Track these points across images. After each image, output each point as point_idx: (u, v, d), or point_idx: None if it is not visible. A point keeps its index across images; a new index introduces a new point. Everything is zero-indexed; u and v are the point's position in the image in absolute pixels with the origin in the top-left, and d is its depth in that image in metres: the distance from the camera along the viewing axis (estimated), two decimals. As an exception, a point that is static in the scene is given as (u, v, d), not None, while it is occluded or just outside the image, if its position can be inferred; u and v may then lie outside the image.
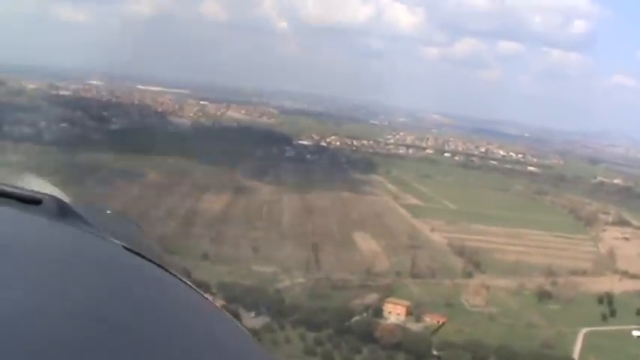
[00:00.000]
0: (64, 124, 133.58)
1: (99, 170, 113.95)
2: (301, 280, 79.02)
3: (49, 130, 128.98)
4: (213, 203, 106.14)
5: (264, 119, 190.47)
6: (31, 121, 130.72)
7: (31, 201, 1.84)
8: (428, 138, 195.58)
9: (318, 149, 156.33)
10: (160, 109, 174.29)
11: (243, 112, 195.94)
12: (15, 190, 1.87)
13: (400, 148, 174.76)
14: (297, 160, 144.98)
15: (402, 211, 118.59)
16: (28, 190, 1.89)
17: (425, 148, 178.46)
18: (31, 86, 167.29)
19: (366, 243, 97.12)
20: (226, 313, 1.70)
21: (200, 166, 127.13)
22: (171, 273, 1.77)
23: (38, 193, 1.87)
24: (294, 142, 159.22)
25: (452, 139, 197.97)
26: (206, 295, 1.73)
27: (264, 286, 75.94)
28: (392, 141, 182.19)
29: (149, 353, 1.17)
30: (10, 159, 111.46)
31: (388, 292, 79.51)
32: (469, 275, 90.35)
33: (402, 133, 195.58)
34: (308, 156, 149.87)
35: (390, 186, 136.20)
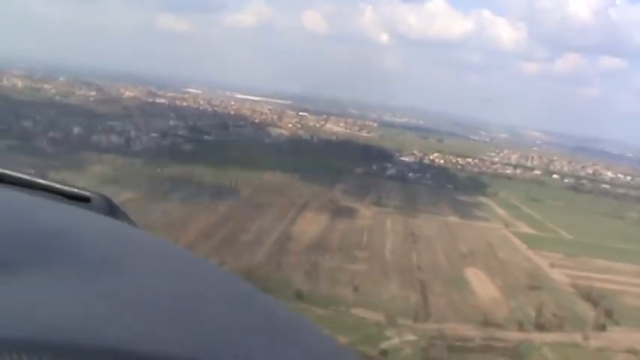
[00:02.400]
0: (154, 134, 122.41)
1: (185, 185, 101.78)
2: (411, 336, 63.29)
3: (139, 140, 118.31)
4: (310, 227, 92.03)
5: (364, 133, 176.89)
6: (121, 129, 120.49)
7: (80, 198, 1.86)
8: (532, 157, 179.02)
9: (421, 167, 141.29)
10: (257, 120, 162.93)
11: (342, 124, 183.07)
12: (65, 188, 1.89)
13: (507, 167, 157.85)
14: (399, 179, 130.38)
15: (515, 240, 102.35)
16: (77, 188, 1.90)
17: (532, 169, 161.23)
18: (128, 94, 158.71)
19: (479, 282, 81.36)
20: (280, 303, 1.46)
21: (297, 182, 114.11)
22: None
23: (87, 191, 1.89)
24: (395, 159, 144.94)
25: (556, 158, 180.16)
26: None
27: (368, 344, 61.19)
28: (497, 159, 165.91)
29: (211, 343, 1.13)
30: (92, 170, 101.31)
31: (516, 358, 63.70)
32: (602, 328, 73.33)
33: (506, 151, 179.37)
34: (410, 174, 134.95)
35: (500, 210, 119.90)
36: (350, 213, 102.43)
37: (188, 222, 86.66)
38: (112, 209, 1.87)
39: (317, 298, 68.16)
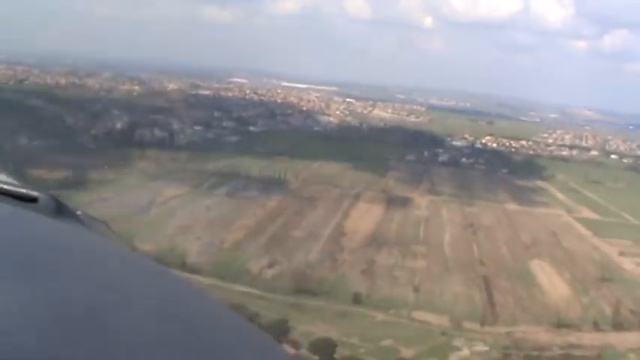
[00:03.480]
0: (198, 127, 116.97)
1: (232, 178, 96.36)
2: (481, 346, 56.37)
3: (182, 133, 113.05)
4: (364, 220, 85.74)
5: (412, 118, 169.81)
6: (165, 123, 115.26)
7: (27, 199, 1.80)
8: (586, 136, 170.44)
9: (474, 151, 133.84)
10: (305, 108, 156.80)
11: (390, 110, 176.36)
12: (11, 188, 1.83)
13: (562, 149, 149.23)
14: (451, 165, 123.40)
15: (579, 227, 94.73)
16: (24, 188, 1.85)
17: (588, 149, 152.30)
18: (171, 86, 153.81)
19: (546, 276, 74.26)
20: (215, 299, 1.46)
21: (348, 171, 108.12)
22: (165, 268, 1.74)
23: (34, 190, 1.84)
24: (446, 144, 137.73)
25: (610, 137, 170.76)
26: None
27: (436, 356, 54.62)
28: (550, 140, 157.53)
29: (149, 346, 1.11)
30: (135, 166, 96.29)
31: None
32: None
33: (558, 132, 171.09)
34: (463, 159, 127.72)
35: (559, 195, 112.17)
36: (404, 203, 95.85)
37: (235, 218, 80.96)
38: (59, 209, 1.79)
39: (376, 301, 61.91)
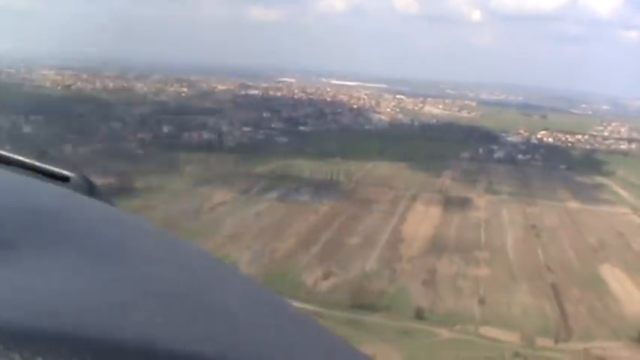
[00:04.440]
0: (247, 128, 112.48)
1: (282, 181, 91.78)
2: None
3: (231, 135, 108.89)
4: (421, 224, 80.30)
5: (464, 114, 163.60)
6: (213, 125, 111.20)
7: (60, 178, 1.82)
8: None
9: (529, 147, 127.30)
10: (355, 106, 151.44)
11: (440, 106, 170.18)
12: (45, 167, 1.85)
13: (620, 142, 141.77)
14: (508, 162, 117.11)
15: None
16: (57, 167, 1.86)
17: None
18: (220, 87, 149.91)
19: (618, 282, 67.98)
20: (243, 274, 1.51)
21: (402, 172, 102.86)
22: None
23: (67, 170, 1.85)
24: (500, 140, 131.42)
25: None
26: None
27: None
28: (606, 134, 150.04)
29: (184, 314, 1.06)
30: (183, 170, 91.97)
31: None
32: None
33: (613, 124, 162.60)
34: (519, 156, 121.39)
35: (622, 192, 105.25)
36: (462, 204, 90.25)
37: (286, 224, 76.05)
38: (91, 189, 1.82)
39: (440, 315, 56.45)
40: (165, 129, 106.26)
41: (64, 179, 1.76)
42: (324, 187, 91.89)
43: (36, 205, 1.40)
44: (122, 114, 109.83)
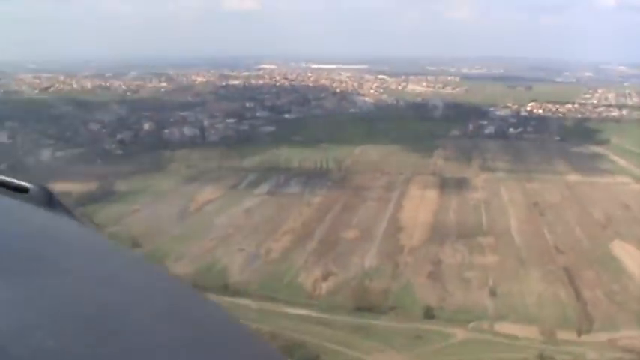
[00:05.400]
0: (230, 120, 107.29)
1: (271, 173, 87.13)
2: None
3: (214, 128, 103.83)
4: (419, 210, 75.47)
5: (448, 90, 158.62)
6: (194, 119, 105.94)
7: (19, 189, 1.79)
8: (629, 93, 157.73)
9: (520, 120, 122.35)
10: (338, 89, 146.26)
11: (424, 84, 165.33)
12: (3, 179, 1.82)
13: (610, 109, 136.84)
14: (500, 137, 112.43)
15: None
16: (16, 179, 1.84)
17: (638, 107, 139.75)
18: (200, 79, 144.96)
19: (633, 260, 62.86)
20: (198, 291, 1.52)
21: (392, 155, 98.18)
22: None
23: (25, 182, 1.83)
24: (490, 115, 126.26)
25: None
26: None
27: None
28: (594, 101, 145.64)
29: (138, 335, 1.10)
30: (166, 169, 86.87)
31: None
32: None
33: (600, 91, 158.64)
34: (511, 130, 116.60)
35: (620, 160, 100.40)
36: (458, 185, 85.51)
37: (279, 221, 70.95)
38: (51, 200, 1.77)
39: (451, 313, 51.45)
40: (146, 127, 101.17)
41: (23, 190, 1.72)
42: (314, 177, 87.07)
43: None
44: (101, 114, 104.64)
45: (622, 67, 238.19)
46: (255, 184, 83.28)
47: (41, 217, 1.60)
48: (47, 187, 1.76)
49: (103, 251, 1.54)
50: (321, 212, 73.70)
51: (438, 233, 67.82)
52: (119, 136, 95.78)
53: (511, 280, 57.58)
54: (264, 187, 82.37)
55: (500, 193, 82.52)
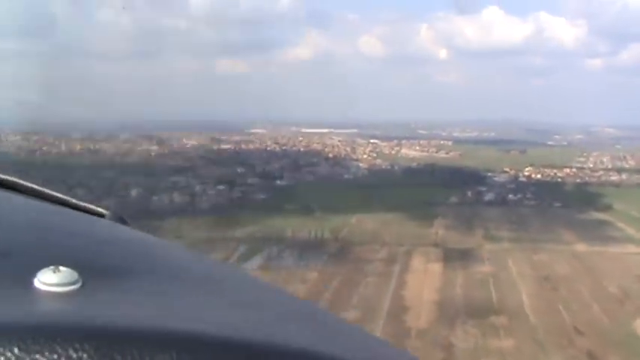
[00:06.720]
0: (221, 186, 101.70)
1: (262, 244, 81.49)
2: None
3: (205, 194, 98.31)
4: (423, 285, 69.34)
5: (442, 154, 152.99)
6: (185, 185, 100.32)
7: (96, 214, 1.83)
8: (625, 157, 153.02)
9: (519, 186, 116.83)
10: (330, 154, 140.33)
11: (417, 148, 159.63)
12: (80, 203, 1.87)
13: (610, 173, 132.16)
14: (500, 204, 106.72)
15: (667, 267, 77.28)
16: (91, 205, 1.88)
17: (637, 171, 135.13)
18: (191, 142, 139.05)
19: (663, 342, 56.83)
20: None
21: (390, 224, 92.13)
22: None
23: (101, 207, 1.87)
24: (487, 180, 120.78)
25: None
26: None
27: None
28: (591, 165, 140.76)
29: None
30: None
31: None
32: None
33: (595, 154, 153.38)
34: (510, 196, 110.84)
35: (627, 228, 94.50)
36: (463, 257, 79.18)
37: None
38: (125, 225, 1.82)
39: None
40: (134, 192, 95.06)
41: (100, 215, 1.76)
42: (309, 249, 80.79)
43: (103, 237, 1.42)
44: (87, 179, 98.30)
45: (610, 129, 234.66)
46: (246, 257, 76.97)
47: (134, 234, 1.62)
48: (119, 213, 1.79)
49: (208, 262, 1.55)
50: (318, 289, 67.22)
51: (446, 313, 61.33)
52: (104, 203, 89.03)
53: (532, 369, 51.03)
54: (256, 260, 76.03)
55: (508, 266, 76.27)
